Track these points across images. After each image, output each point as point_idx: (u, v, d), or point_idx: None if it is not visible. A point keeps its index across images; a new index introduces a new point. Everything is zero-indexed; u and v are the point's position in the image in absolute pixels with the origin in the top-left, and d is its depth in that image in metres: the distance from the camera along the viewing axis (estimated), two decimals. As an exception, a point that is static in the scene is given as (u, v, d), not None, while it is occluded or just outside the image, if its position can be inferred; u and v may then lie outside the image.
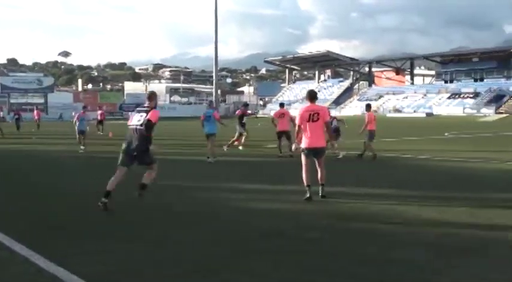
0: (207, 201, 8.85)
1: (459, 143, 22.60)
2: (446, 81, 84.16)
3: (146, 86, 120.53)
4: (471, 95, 73.24)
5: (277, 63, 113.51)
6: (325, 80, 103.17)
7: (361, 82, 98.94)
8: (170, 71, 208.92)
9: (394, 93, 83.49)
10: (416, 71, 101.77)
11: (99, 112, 34.88)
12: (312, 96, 8.75)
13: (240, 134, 19.23)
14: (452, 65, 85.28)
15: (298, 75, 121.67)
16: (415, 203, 8.31)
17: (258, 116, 60.40)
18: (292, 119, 15.63)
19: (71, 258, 5.30)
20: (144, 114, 7.92)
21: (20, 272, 4.95)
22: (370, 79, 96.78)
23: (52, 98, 77.86)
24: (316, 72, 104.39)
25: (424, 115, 63.63)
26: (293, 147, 9.05)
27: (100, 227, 6.88)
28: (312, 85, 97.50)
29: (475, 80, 79.35)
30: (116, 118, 64.21)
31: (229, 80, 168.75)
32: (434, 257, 5.34)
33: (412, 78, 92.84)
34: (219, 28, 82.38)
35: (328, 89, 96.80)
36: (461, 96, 74.53)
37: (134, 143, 7.87)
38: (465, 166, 13.87)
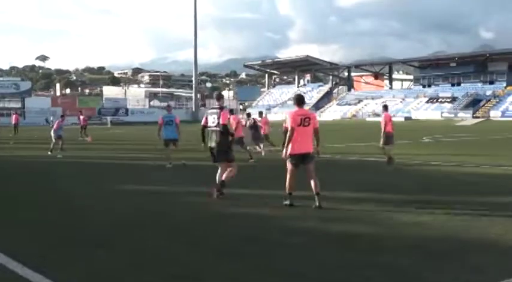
0: (186, 205, 8.82)
1: (437, 147, 22.81)
2: (424, 86, 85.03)
3: (125, 90, 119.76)
4: (449, 100, 74.27)
5: (257, 67, 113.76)
6: (304, 85, 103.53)
7: (340, 87, 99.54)
8: (149, 75, 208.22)
9: (373, 98, 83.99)
10: (395, 75, 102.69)
11: (82, 117, 34.33)
12: (300, 100, 8.69)
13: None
14: (430, 69, 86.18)
15: (277, 80, 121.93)
16: (396, 207, 8.35)
17: None
18: (242, 125, 16.37)
19: (49, 265, 5.22)
20: (215, 116, 9.11)
21: (-3, 280, 4.86)
22: (349, 84, 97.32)
23: (30, 102, 76.78)
24: (296, 77, 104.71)
25: (403, 119, 64.17)
26: (283, 155, 8.65)
27: (79, 233, 6.80)
28: (292, 89, 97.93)
29: (453, 85, 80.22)
30: (95, 123, 63.54)
31: (209, 85, 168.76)
32: (415, 260, 5.38)
33: (390, 83, 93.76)
34: (198, 32, 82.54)
35: (308, 93, 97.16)
36: (439, 100, 75.49)
37: (216, 142, 9.07)
38: (443, 170, 14.05)
